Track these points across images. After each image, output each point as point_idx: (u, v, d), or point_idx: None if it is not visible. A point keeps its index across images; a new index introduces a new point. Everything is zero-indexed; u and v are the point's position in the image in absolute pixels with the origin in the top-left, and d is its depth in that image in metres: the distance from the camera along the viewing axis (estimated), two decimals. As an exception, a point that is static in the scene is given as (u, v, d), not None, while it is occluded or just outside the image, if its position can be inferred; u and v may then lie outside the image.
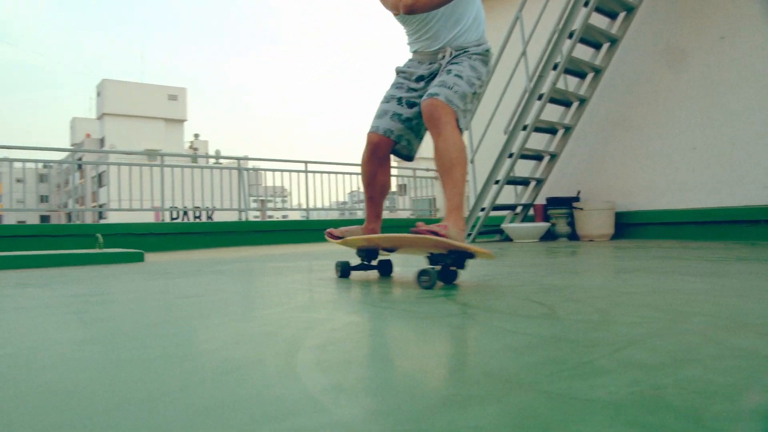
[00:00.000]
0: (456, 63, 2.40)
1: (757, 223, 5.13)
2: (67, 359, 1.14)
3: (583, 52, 6.18)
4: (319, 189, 9.78)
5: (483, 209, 6.14)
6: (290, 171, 9.65)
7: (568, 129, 6.39)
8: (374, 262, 2.60)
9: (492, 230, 6.43)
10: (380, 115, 2.56)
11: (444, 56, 2.43)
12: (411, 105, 2.53)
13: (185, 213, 12.51)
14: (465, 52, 2.42)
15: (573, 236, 6.10)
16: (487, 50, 2.48)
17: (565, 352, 1.04)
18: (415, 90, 2.54)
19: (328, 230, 2.69)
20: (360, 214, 12.66)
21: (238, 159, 9.08)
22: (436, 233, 2.03)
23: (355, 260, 2.60)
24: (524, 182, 6.63)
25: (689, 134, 5.75)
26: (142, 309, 1.89)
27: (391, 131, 2.52)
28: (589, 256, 3.71)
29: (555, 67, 5.90)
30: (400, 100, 2.55)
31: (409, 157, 2.63)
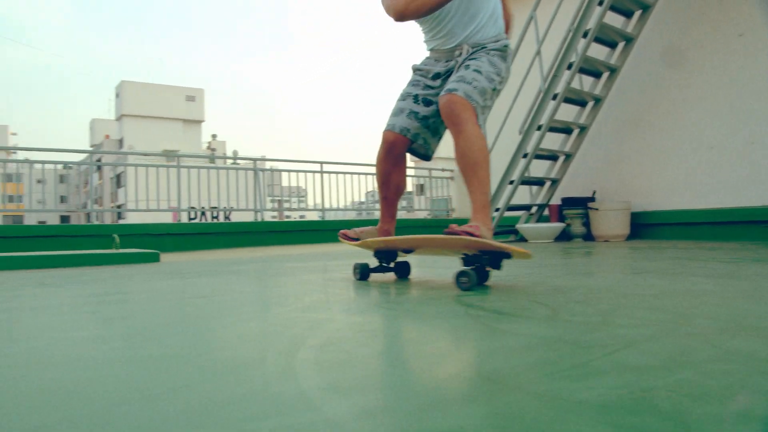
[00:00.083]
0: (474, 58, 2.35)
1: (775, 224, 5.06)
2: (78, 357, 1.18)
3: (599, 52, 6.14)
4: (335, 189, 9.82)
5: (498, 209, 6.12)
6: (306, 171, 9.70)
7: (583, 129, 6.35)
8: (392, 264, 2.56)
9: (507, 231, 6.42)
10: (396, 113, 2.52)
11: (461, 53, 2.39)
12: (428, 103, 2.49)
13: (203, 213, 12.64)
14: (483, 48, 2.38)
15: (588, 237, 6.07)
16: (506, 45, 2.42)
17: (560, 353, 1.05)
18: (432, 88, 2.49)
19: (342, 231, 2.64)
20: (378, 214, 12.64)
21: (254, 159, 9.14)
22: (471, 234, 1.99)
23: (373, 262, 2.56)
24: (539, 182, 6.60)
25: (706, 133, 5.69)
26: (154, 309, 1.93)
27: (408, 130, 2.48)
28: (601, 257, 3.69)
29: (570, 67, 5.87)
30: (416, 97, 2.50)
31: (426, 156, 2.58)
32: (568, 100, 6.17)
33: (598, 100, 6.25)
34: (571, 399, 0.77)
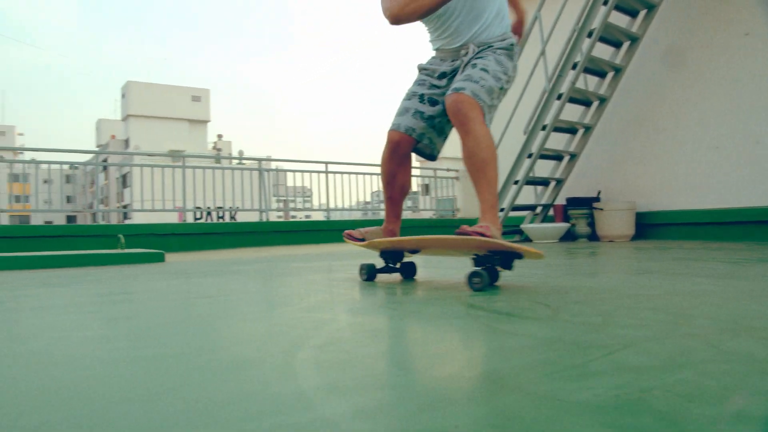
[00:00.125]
0: (481, 57, 2.34)
1: (782, 224, 5.04)
2: (80, 356, 1.19)
3: (603, 51, 6.12)
4: (341, 189, 9.83)
5: (502, 210, 6.11)
6: (311, 171, 9.71)
7: (588, 128, 6.34)
8: (398, 265, 2.54)
9: (512, 231, 6.41)
10: (401, 112, 2.50)
11: (467, 52, 2.37)
12: (433, 102, 2.47)
13: (208, 213, 12.67)
14: (489, 47, 2.36)
15: (593, 237, 6.06)
16: (512, 44, 2.40)
17: (559, 354, 1.05)
18: (437, 87, 2.47)
19: (346, 231, 2.62)
20: (384, 214, 12.63)
21: (259, 160, 9.16)
22: (482, 234, 1.97)
23: (379, 262, 2.53)
24: (544, 182, 6.59)
25: (712, 133, 5.67)
26: (157, 309, 1.94)
27: (413, 129, 2.46)
28: (605, 258, 3.69)
29: (574, 67, 5.86)
30: (422, 97, 2.48)
31: (431, 156, 2.56)
32: (572, 100, 6.15)
33: (603, 100, 6.23)
34: (568, 399, 0.77)
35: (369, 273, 2.46)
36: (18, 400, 0.88)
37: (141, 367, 1.07)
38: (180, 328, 1.52)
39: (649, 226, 6.05)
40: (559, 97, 5.88)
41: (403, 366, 1.03)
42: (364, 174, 10.10)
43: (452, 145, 2.64)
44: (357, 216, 15.09)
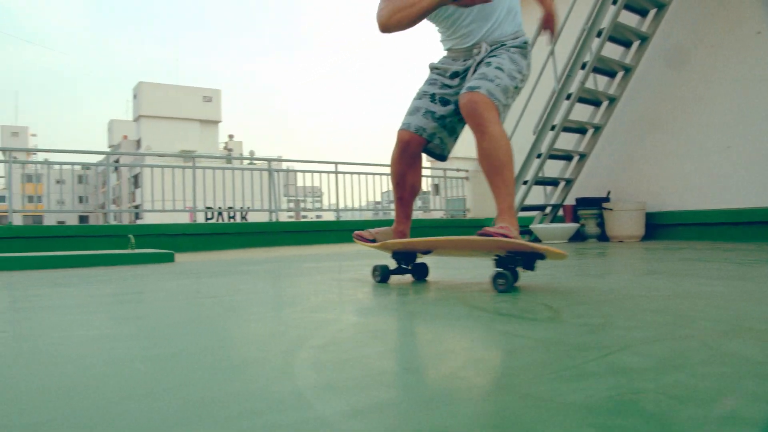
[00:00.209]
0: (495, 55, 2.30)
1: (794, 225, 5.00)
2: (85, 355, 1.21)
3: (613, 51, 6.09)
4: (350, 189, 9.85)
5: (511, 210, 6.10)
6: (320, 172, 9.74)
7: (597, 128, 6.31)
8: (410, 266, 2.50)
9: (521, 231, 6.36)
10: (412, 111, 2.46)
11: (479, 51, 2.34)
12: (445, 102, 2.43)
13: (219, 214, 12.74)
14: (502, 45, 2.33)
15: (602, 237, 6.03)
16: (526, 42, 2.38)
17: (556, 355, 1.06)
18: (449, 87, 2.44)
19: (356, 233, 2.58)
20: (394, 215, 12.61)
21: (269, 160, 9.20)
22: (505, 235, 1.94)
23: (391, 263, 2.50)
24: (553, 182, 6.57)
25: (723, 132, 5.62)
26: (164, 309, 1.97)
27: (423, 129, 2.42)
28: (613, 258, 3.67)
29: (584, 67, 5.84)
30: (433, 96, 2.45)
31: (442, 156, 2.52)
32: (582, 100, 6.13)
33: (612, 100, 6.21)
34: (558, 400, 0.78)
35: (383, 274, 2.43)
36: (21, 397, 0.91)
37: (144, 366, 1.09)
38: (185, 328, 1.54)
39: (660, 227, 6.02)
40: (569, 97, 5.86)
41: (401, 366, 1.04)
42: (373, 174, 10.13)
43: (462, 144, 2.62)
44: (368, 216, 15.11)
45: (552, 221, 6.51)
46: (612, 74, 6.30)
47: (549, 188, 6.72)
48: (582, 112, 6.34)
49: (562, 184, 6.56)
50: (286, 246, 7.28)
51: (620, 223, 5.82)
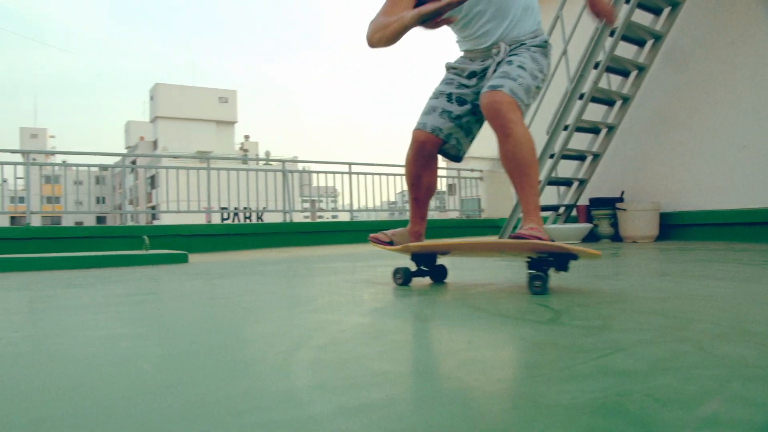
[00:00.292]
0: (515, 54, 2.27)
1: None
2: (91, 355, 1.25)
3: (627, 50, 6.06)
4: (364, 190, 9.88)
5: (523, 210, 6.09)
6: (334, 173, 9.79)
7: (611, 128, 6.27)
8: (429, 268, 2.44)
9: (533, 231, 6.37)
10: (428, 111, 2.42)
11: (499, 51, 2.30)
12: (461, 102, 2.40)
13: (235, 214, 12.83)
14: (522, 44, 2.30)
15: (616, 237, 6.00)
16: (546, 41, 2.34)
17: (549, 357, 1.07)
18: (466, 87, 2.41)
19: (372, 235, 2.52)
20: (409, 215, 12.67)
21: (283, 161, 9.26)
22: (539, 237, 1.93)
23: (411, 264, 2.43)
24: (567, 183, 6.54)
25: (739, 132, 5.56)
26: (172, 310, 2.00)
27: (440, 129, 2.38)
28: (623, 259, 3.66)
29: (596, 66, 5.81)
30: (449, 96, 2.41)
31: (457, 157, 2.49)
32: (595, 100, 6.10)
33: (626, 100, 6.17)
34: (545, 402, 0.80)
35: (405, 277, 2.36)
36: (24, 395, 0.94)
37: (149, 366, 1.12)
38: (192, 329, 1.58)
39: (674, 227, 5.97)
40: (582, 96, 5.84)
41: (395, 367, 1.05)
42: (387, 175, 10.16)
43: (476, 144, 2.58)
44: (383, 216, 15.15)
45: (565, 221, 6.48)
46: (625, 73, 6.26)
47: (562, 188, 6.70)
48: (596, 112, 6.30)
49: (575, 184, 6.53)
50: (300, 246, 7.32)
51: (634, 223, 5.78)
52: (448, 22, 2.11)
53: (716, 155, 5.74)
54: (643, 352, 1.06)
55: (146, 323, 1.69)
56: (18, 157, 7.57)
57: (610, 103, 6.34)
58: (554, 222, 6.48)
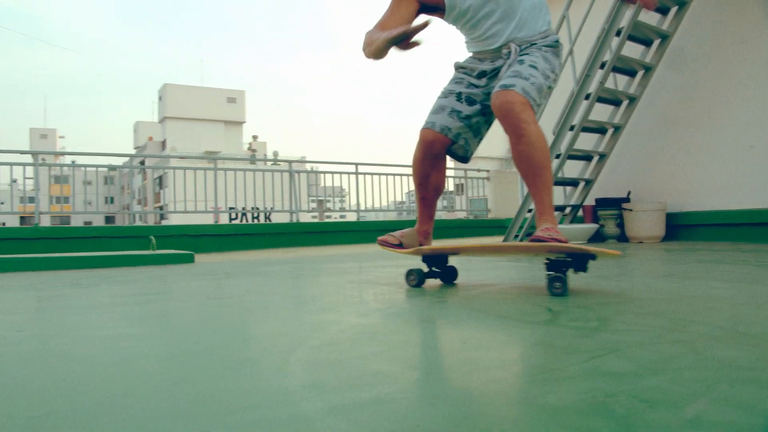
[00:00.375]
0: (527, 54, 2.24)
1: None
2: (94, 354, 1.27)
3: (633, 50, 6.04)
4: (371, 190, 9.90)
5: (530, 210, 6.09)
6: (341, 173, 9.82)
7: (617, 128, 6.26)
8: (441, 270, 2.42)
9: (539, 232, 6.36)
10: (437, 110, 2.38)
11: (509, 51, 2.27)
12: (471, 102, 2.37)
13: (243, 214, 12.89)
14: (533, 44, 2.27)
15: (622, 238, 5.98)
16: (557, 41, 2.31)
17: (542, 358, 1.08)
18: (476, 86, 2.38)
19: (381, 238, 2.46)
20: (417, 215, 12.72)
21: (290, 161, 9.29)
22: (558, 240, 1.92)
23: (423, 266, 2.41)
24: (573, 183, 6.53)
25: (746, 131, 5.53)
26: (176, 310, 2.03)
27: (449, 129, 2.34)
28: (627, 260, 3.65)
29: (603, 66, 5.80)
30: (459, 95, 2.38)
31: (464, 158, 2.45)
32: (602, 100, 6.08)
33: (632, 99, 6.15)
34: (532, 402, 0.81)
35: (419, 278, 2.32)
36: (26, 393, 0.97)
37: (148, 365, 1.14)
38: (194, 329, 1.60)
39: (681, 227, 5.94)
40: (588, 97, 5.83)
41: (389, 367, 1.07)
42: (394, 175, 10.17)
43: (483, 144, 2.57)
44: (391, 216, 15.16)
45: (572, 222, 6.47)
46: (632, 73, 6.24)
47: (569, 189, 6.68)
48: (602, 112, 6.29)
49: (581, 184, 6.51)
50: (307, 246, 7.35)
51: (640, 223, 5.77)
52: (416, 45, 2.08)
53: (724, 155, 5.71)
54: (636, 354, 1.07)
55: (149, 323, 1.72)
56: (28, 158, 7.64)
57: (616, 103, 6.33)
58: (560, 222, 6.46)
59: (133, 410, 0.84)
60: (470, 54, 2.46)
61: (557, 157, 5.96)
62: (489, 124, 2.45)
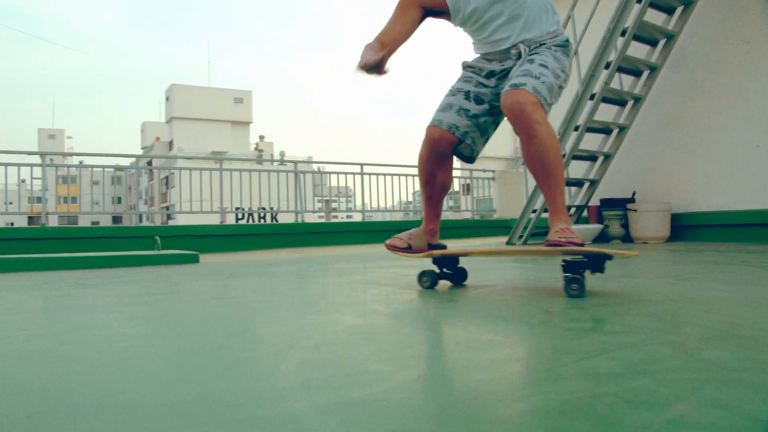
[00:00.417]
0: (537, 53, 2.22)
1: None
2: (95, 353, 1.29)
3: (638, 50, 6.03)
4: (377, 190, 9.92)
5: (535, 211, 6.09)
6: (346, 173, 9.83)
7: (622, 128, 6.25)
8: (451, 271, 2.40)
9: (544, 233, 6.35)
10: (444, 108, 2.35)
11: (519, 52, 2.25)
12: (479, 101, 2.33)
13: (250, 215, 12.94)
14: (542, 44, 2.24)
15: (627, 238, 5.97)
16: (567, 40, 2.29)
17: (532, 359, 1.09)
18: (484, 86, 2.35)
19: (388, 243, 2.42)
20: (423, 214, 12.74)
21: (295, 162, 9.32)
22: (575, 243, 1.92)
23: (433, 266, 2.39)
24: (578, 183, 6.52)
25: (752, 131, 5.51)
26: (178, 310, 2.05)
27: (456, 127, 2.31)
28: (631, 260, 3.65)
29: (608, 66, 5.79)
30: (467, 94, 2.34)
31: (470, 158, 2.42)
32: (607, 100, 6.07)
33: (637, 100, 6.13)
34: (517, 403, 0.82)
35: (433, 280, 2.29)
36: (26, 391, 0.99)
37: (147, 364, 1.16)
38: (194, 329, 1.62)
39: (686, 228, 5.93)
40: (593, 97, 5.82)
41: (380, 367, 1.08)
42: (400, 175, 10.18)
43: (488, 144, 2.55)
44: (398, 217, 15.17)
45: (576, 222, 6.46)
46: (637, 73, 6.23)
47: (573, 189, 6.67)
48: (607, 112, 6.28)
49: (586, 184, 6.50)
50: (312, 247, 7.37)
51: (645, 224, 5.75)
52: (385, 72, 2.13)
53: (729, 155, 5.69)
54: (625, 355, 1.08)
55: (151, 323, 1.74)
56: (36, 158, 7.70)
57: (621, 104, 6.31)
58: (565, 223, 6.45)
59: (132, 408, 0.86)
60: (478, 55, 2.44)
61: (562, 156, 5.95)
62: (496, 124, 2.44)
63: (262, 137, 57.03)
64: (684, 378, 0.92)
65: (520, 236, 6.05)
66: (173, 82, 53.44)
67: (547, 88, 2.12)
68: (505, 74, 2.31)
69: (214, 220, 8.82)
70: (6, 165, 6.86)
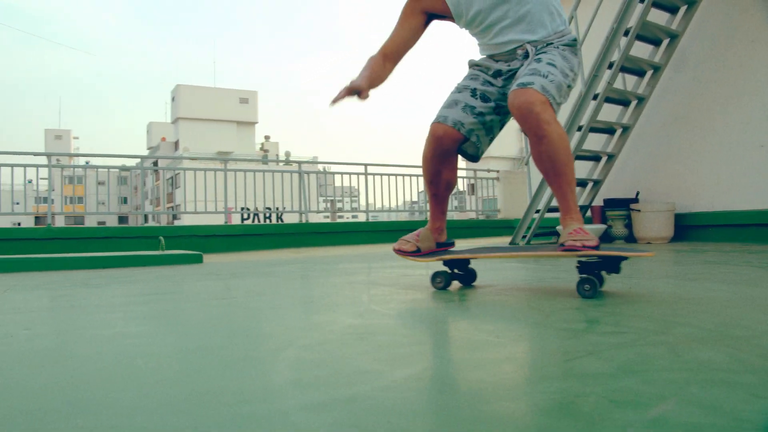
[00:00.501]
0: (545, 52, 2.18)
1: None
2: (95, 352, 1.32)
3: (642, 49, 6.02)
4: (382, 190, 9.93)
5: (538, 211, 6.08)
6: (350, 173, 9.85)
7: (626, 128, 6.24)
8: (461, 272, 2.39)
9: (547, 232, 6.37)
10: (449, 104, 2.30)
11: (526, 52, 2.22)
12: (486, 99, 2.30)
13: (255, 215, 12.97)
14: (550, 44, 2.21)
15: (630, 238, 5.96)
16: (574, 39, 2.26)
17: (522, 359, 1.11)
18: (491, 84, 2.32)
19: (395, 248, 2.40)
20: (429, 214, 12.73)
21: (299, 162, 9.34)
22: (590, 246, 1.90)
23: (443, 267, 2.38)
24: (581, 183, 6.52)
25: (756, 131, 5.50)
26: (178, 310, 2.07)
27: (462, 124, 2.26)
28: (633, 261, 3.65)
29: (611, 66, 5.78)
30: (474, 91, 2.30)
31: (475, 157, 2.39)
32: (610, 100, 6.07)
33: (641, 100, 6.13)
34: (503, 403, 0.83)
35: (446, 281, 2.29)
36: (26, 389, 1.01)
37: (144, 364, 1.18)
38: (193, 329, 1.64)
39: (690, 228, 5.92)
40: (596, 97, 5.82)
41: (371, 366, 1.09)
42: (404, 175, 10.19)
43: (492, 144, 2.55)
44: (403, 217, 15.18)
45: (579, 222, 6.45)
46: (641, 73, 6.22)
47: (577, 189, 6.66)
48: (610, 112, 6.28)
49: (590, 185, 6.50)
50: (316, 247, 7.39)
51: (648, 224, 5.75)
52: (367, 97, 2.17)
53: (733, 155, 5.68)
54: (615, 355, 1.09)
55: (152, 323, 1.76)
56: (42, 159, 7.76)
57: (625, 103, 6.31)
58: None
59: (128, 404, 0.88)
60: (484, 56, 2.42)
61: (565, 157, 5.94)
62: (502, 124, 2.41)
63: (267, 137, 57.08)
64: (670, 378, 0.94)
65: (524, 236, 6.05)
66: (179, 82, 53.62)
67: (556, 87, 2.09)
68: (512, 74, 2.28)
69: (219, 220, 8.85)
70: (13, 166, 6.92)
